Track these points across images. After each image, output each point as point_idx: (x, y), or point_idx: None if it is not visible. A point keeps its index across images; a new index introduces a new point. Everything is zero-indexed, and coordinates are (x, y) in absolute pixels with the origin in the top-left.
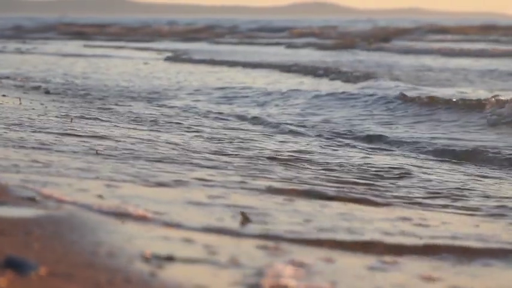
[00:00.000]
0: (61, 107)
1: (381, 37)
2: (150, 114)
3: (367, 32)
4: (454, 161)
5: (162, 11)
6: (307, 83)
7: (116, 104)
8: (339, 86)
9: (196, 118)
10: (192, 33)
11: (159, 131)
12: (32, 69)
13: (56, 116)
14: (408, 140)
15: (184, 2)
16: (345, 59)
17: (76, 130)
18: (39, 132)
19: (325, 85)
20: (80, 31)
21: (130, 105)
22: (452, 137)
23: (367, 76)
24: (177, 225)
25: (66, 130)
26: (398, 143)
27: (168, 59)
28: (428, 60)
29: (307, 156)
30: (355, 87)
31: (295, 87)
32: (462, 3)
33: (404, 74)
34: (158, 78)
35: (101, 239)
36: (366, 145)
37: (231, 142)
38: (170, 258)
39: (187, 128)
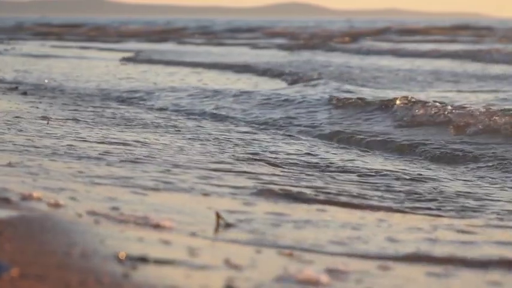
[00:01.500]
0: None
1: (348, 38)
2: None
3: (336, 33)
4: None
5: (143, 12)
6: (248, 83)
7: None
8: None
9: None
10: (164, 34)
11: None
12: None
13: (35, 118)
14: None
15: (166, 3)
16: (302, 59)
17: (53, 131)
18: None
19: (265, 85)
20: (49, 31)
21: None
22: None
23: (307, 77)
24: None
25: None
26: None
27: (124, 59)
28: (383, 61)
29: None
30: (286, 87)
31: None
32: (440, 4)
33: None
34: (106, 82)
35: (74, 240)
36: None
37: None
38: (144, 259)
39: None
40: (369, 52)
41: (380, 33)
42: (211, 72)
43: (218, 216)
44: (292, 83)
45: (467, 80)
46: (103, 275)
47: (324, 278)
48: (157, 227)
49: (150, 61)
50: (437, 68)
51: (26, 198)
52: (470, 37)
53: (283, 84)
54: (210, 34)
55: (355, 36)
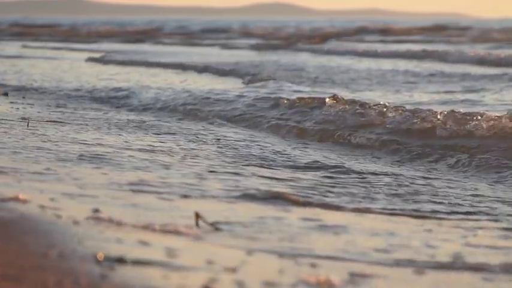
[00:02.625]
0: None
1: (319, 38)
2: None
3: (309, 33)
4: None
5: (125, 12)
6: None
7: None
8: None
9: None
10: (141, 34)
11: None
12: None
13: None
14: None
15: (149, 3)
16: (266, 59)
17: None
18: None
19: (217, 84)
20: (24, 32)
21: None
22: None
23: (262, 77)
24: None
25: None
26: None
27: (90, 59)
28: (344, 61)
29: None
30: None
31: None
32: (423, 4)
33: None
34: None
35: (53, 241)
36: None
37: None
38: (122, 260)
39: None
40: (332, 52)
41: (354, 33)
42: (170, 72)
43: (197, 216)
44: (248, 82)
45: (413, 80)
46: (81, 276)
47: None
48: (135, 227)
49: (115, 62)
50: (393, 68)
51: (4, 200)
52: (443, 37)
53: (239, 84)
54: (186, 34)
55: (327, 36)
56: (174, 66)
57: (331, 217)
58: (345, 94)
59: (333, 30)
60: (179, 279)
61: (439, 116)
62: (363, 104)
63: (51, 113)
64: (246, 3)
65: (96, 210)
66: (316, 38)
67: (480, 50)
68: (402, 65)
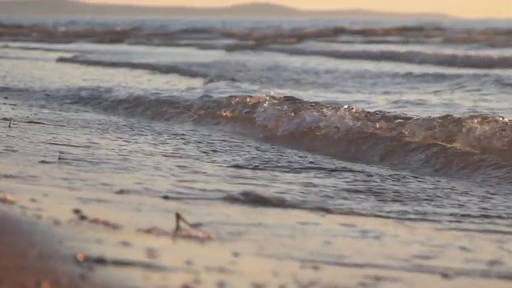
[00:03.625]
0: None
1: (295, 38)
2: None
3: (287, 33)
4: None
5: (109, 12)
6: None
7: None
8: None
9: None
10: (118, 35)
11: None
12: None
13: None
14: None
15: (132, 3)
16: (234, 59)
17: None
18: None
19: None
20: (3, 32)
21: None
22: None
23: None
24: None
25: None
26: None
27: (60, 60)
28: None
29: None
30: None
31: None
32: (407, 5)
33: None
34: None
35: (33, 241)
36: None
37: None
38: (102, 261)
39: None
40: (301, 53)
41: (331, 34)
42: (137, 72)
43: (178, 217)
44: (207, 82)
45: (363, 80)
46: (60, 276)
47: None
48: (116, 228)
49: (86, 62)
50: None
51: None
52: (417, 37)
53: (199, 84)
54: (165, 35)
55: (303, 37)
56: (141, 67)
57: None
58: (289, 93)
59: (311, 30)
60: (159, 280)
61: (338, 113)
62: (293, 101)
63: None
64: (234, 3)
65: (77, 211)
66: (291, 39)
67: (448, 50)
68: (359, 65)
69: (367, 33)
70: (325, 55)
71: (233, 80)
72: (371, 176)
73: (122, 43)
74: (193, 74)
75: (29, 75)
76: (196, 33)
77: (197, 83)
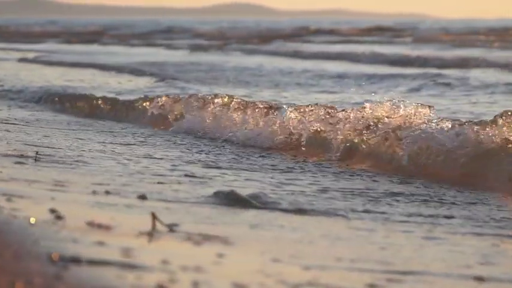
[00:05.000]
0: None
1: (262, 39)
2: None
3: (253, 34)
4: None
5: (87, 13)
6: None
7: None
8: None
9: None
10: (91, 35)
11: None
12: None
13: None
14: None
15: (110, 3)
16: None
17: None
18: None
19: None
20: None
21: None
22: None
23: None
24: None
25: None
26: None
27: (22, 60)
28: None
29: None
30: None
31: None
32: (387, 5)
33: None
34: None
35: (9, 241)
36: None
37: None
38: (77, 260)
39: None
40: (258, 52)
41: (305, 34)
42: (89, 71)
43: (154, 217)
44: (157, 81)
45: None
46: (35, 276)
47: None
48: (95, 226)
49: (46, 62)
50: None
51: None
52: (383, 38)
53: (150, 83)
54: (139, 35)
55: (270, 38)
56: (96, 67)
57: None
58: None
59: (283, 31)
60: (134, 279)
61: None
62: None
63: None
64: (214, 3)
65: (53, 211)
66: (256, 39)
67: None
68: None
69: (336, 34)
70: (287, 56)
71: (173, 79)
72: None
73: (95, 43)
74: (141, 74)
75: None
76: (169, 34)
77: (143, 82)
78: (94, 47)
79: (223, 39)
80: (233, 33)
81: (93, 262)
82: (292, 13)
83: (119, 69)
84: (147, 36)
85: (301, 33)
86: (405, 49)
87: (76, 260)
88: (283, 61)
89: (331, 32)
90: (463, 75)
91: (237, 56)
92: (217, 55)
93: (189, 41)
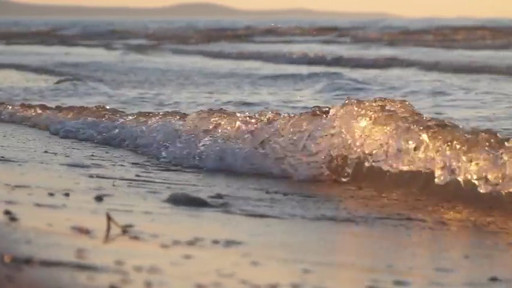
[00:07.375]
0: None
1: (206, 38)
2: None
3: (199, 34)
4: None
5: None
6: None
7: None
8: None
9: None
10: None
11: None
12: None
13: None
14: None
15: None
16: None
17: None
18: None
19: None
20: None
21: None
22: None
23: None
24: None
25: None
26: None
27: None
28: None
29: None
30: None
31: None
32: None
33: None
34: None
35: None
36: None
37: None
38: (30, 261)
39: None
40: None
41: (249, 34)
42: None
43: (109, 218)
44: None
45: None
46: None
47: None
48: (46, 228)
49: None
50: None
51: None
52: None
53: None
54: (82, 36)
55: (216, 38)
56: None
57: None
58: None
59: (233, 31)
60: (86, 280)
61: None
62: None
63: None
64: (173, 3)
65: (8, 212)
66: (196, 39)
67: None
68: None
69: (274, 34)
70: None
71: (79, 80)
72: None
73: (35, 45)
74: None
75: None
76: (117, 34)
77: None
78: (28, 47)
79: (164, 39)
80: (176, 33)
81: (46, 263)
82: (254, 13)
83: (31, 68)
84: (94, 37)
85: (250, 33)
86: (337, 49)
87: (29, 261)
88: (202, 61)
89: (277, 32)
90: (357, 76)
91: (163, 57)
92: (147, 55)
93: (133, 41)
